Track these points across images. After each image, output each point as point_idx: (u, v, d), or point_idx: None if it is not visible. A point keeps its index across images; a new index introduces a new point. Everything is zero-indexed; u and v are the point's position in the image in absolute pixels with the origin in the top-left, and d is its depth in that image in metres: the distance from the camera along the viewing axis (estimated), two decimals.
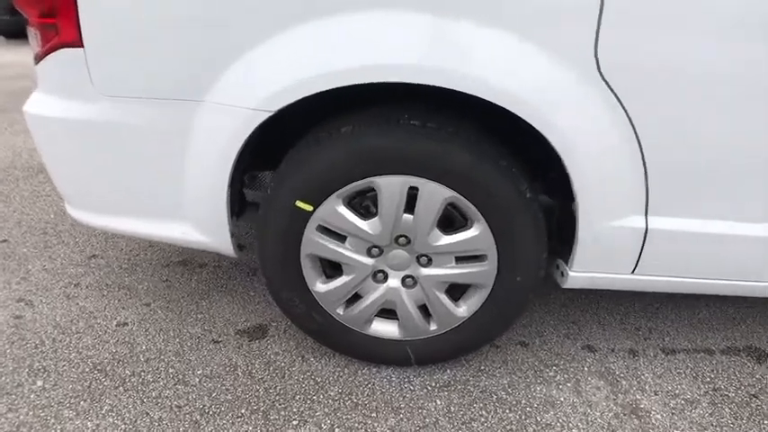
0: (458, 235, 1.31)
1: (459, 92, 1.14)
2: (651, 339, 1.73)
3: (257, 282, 1.95)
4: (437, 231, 1.30)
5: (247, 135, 1.20)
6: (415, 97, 1.32)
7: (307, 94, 1.13)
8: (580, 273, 1.38)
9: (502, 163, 1.24)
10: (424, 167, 1.21)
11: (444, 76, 1.11)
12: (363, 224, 1.30)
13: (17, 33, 8.56)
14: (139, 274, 1.99)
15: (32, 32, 1.35)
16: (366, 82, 1.11)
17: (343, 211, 1.28)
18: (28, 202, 2.57)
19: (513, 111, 1.15)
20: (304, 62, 1.12)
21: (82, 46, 1.24)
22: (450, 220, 1.32)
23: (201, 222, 1.37)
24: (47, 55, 1.30)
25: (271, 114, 1.16)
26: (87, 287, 1.91)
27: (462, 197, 1.25)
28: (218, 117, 1.21)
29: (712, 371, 1.60)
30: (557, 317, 1.82)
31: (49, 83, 1.35)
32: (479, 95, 1.14)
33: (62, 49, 1.26)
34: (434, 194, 1.24)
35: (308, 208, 1.27)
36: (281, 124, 1.30)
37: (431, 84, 1.11)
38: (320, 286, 1.40)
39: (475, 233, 1.30)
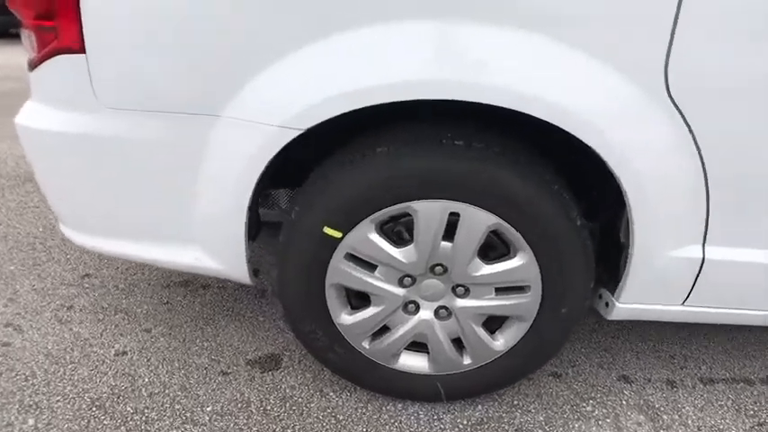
0: (500, 264, 1.19)
1: (504, 109, 1.03)
2: (687, 368, 1.63)
3: (266, 305, 1.81)
4: (477, 260, 1.19)
5: (273, 155, 1.07)
6: (449, 113, 1.21)
7: (347, 110, 1.01)
8: (628, 304, 1.28)
9: (553, 187, 1.13)
10: (467, 192, 1.10)
11: (500, 93, 0.99)
12: (396, 252, 1.18)
13: (2, 33, 8.30)
14: (138, 295, 1.84)
15: (27, 35, 1.21)
16: (423, 98, 0.99)
17: (376, 238, 1.16)
18: (14, 213, 2.40)
19: (567, 129, 1.04)
20: (346, 74, 1.00)
21: (84, 52, 1.10)
22: (490, 248, 1.21)
23: (215, 247, 1.24)
24: (43, 61, 1.16)
25: (300, 132, 1.04)
26: (81, 310, 1.76)
27: (508, 224, 1.14)
28: (239, 134, 1.08)
29: (755, 403, 1.50)
30: (587, 344, 1.71)
31: (44, 92, 1.21)
32: (532, 114, 1.02)
33: (61, 55, 1.13)
34: (477, 221, 1.13)
35: (337, 235, 1.15)
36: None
37: (490, 103, 1.00)
38: (345, 318, 1.28)
39: (519, 263, 1.19)
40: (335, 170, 1.12)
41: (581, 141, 1.06)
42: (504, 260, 1.20)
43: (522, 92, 1.00)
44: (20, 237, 2.21)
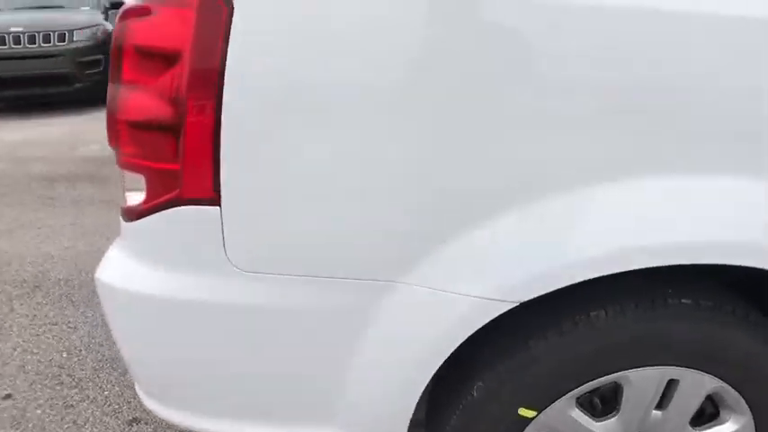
0: (714, 430, 1.01)
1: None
2: None
3: None
4: (690, 429, 1.00)
5: (473, 331, 0.85)
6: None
7: (581, 280, 0.82)
8: None
9: None
10: (695, 357, 0.92)
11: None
12: (598, 427, 0.97)
13: None
14: None
15: (128, 177, 0.97)
16: (682, 263, 0.82)
17: (576, 414, 0.96)
18: (29, 334, 2.06)
19: None
20: (583, 237, 0.82)
21: (218, 204, 0.88)
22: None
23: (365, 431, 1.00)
24: (154, 212, 0.92)
25: (513, 306, 0.83)
26: None
27: (732, 388, 0.96)
28: (427, 305, 0.87)
29: None
30: None
31: (150, 248, 0.97)
32: None
33: (184, 207, 0.90)
34: (698, 387, 0.95)
35: (531, 414, 0.94)
36: None
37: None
38: None
39: (735, 427, 1.00)
40: (539, 340, 0.91)
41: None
42: (717, 425, 1.01)
43: None
44: (41, 366, 1.88)
